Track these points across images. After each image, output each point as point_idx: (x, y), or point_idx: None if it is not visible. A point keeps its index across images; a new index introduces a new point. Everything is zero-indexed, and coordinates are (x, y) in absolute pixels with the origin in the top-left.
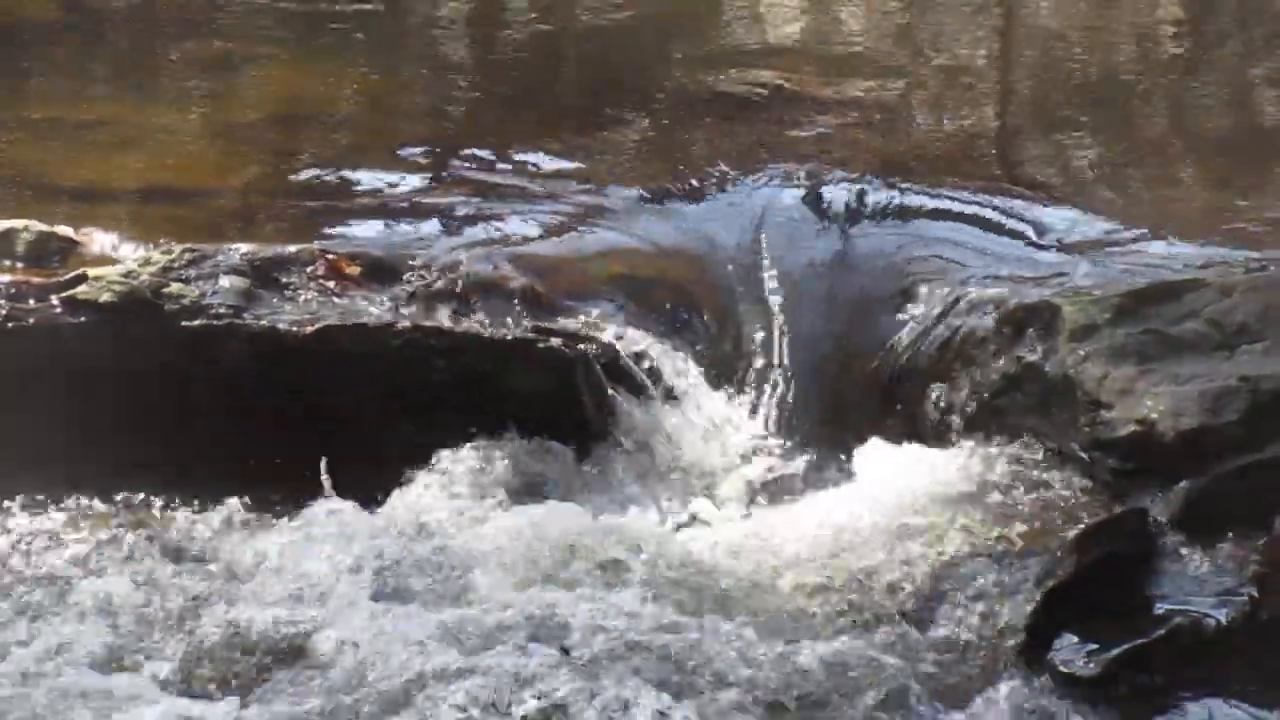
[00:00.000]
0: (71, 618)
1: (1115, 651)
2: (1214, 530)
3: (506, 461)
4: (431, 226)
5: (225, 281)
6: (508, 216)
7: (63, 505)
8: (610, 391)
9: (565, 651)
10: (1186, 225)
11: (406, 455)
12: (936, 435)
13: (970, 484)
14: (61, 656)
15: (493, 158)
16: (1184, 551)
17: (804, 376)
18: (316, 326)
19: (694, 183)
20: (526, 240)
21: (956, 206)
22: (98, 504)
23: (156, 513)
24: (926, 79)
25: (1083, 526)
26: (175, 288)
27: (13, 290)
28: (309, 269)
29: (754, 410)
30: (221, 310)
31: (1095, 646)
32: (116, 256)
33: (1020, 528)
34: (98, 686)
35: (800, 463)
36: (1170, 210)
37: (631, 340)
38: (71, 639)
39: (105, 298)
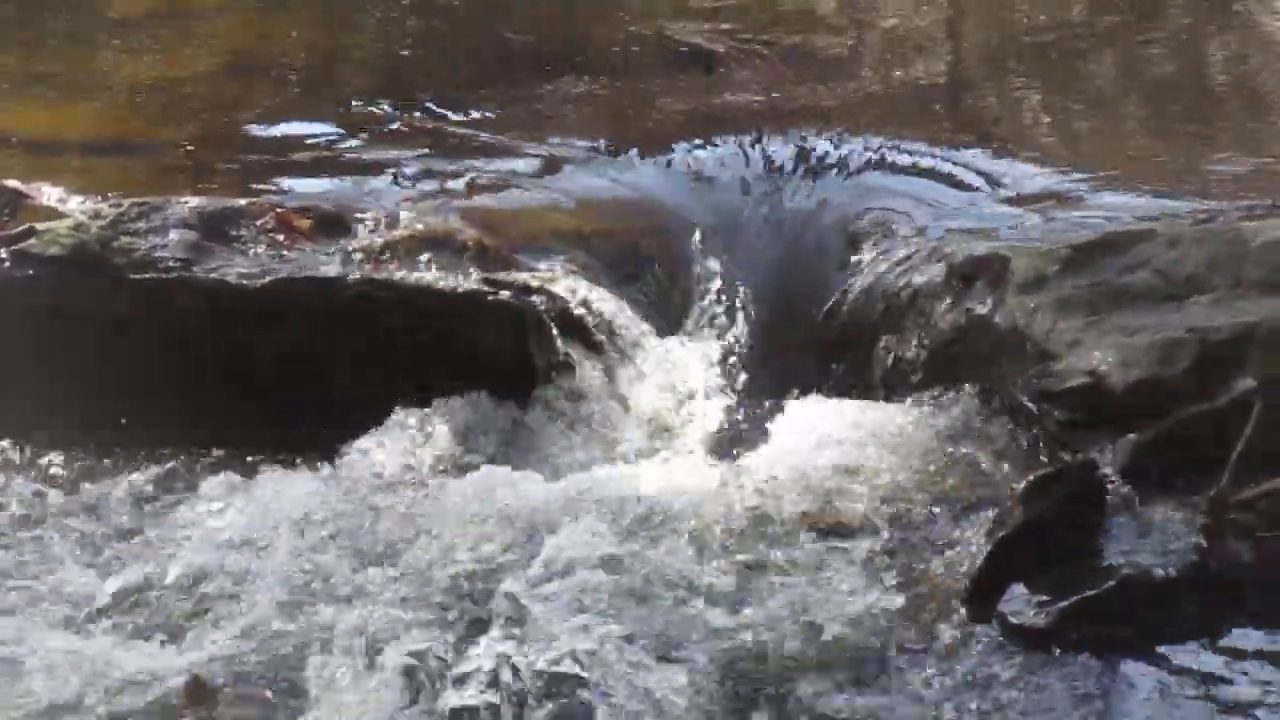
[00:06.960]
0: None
1: (1064, 603)
2: (1163, 481)
3: (457, 414)
4: (381, 180)
5: (175, 235)
6: (457, 170)
7: (5, 456)
8: (561, 344)
9: (515, 602)
10: (1135, 176)
11: (356, 408)
12: (886, 387)
13: (919, 435)
14: None
15: (443, 111)
16: (1133, 503)
17: (753, 329)
18: (267, 280)
19: (644, 136)
20: (476, 193)
21: (906, 159)
22: (44, 456)
23: (103, 465)
24: (876, 32)
25: (1031, 478)
26: (124, 241)
27: None
28: (259, 222)
29: (703, 363)
30: (171, 264)
31: (1044, 598)
32: (65, 210)
33: (969, 479)
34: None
35: (749, 414)
36: (1119, 161)
37: (582, 293)
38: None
39: (54, 251)
